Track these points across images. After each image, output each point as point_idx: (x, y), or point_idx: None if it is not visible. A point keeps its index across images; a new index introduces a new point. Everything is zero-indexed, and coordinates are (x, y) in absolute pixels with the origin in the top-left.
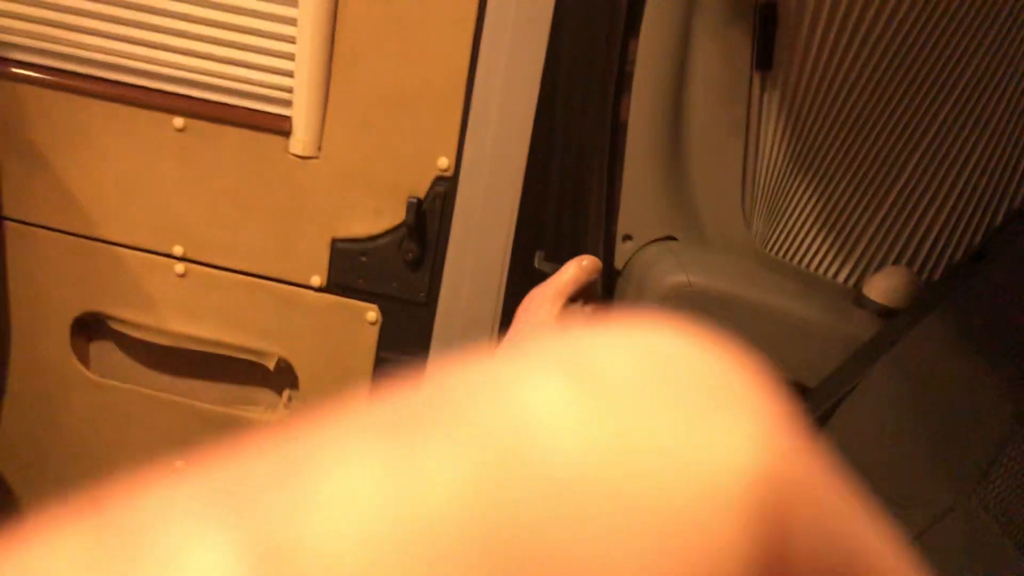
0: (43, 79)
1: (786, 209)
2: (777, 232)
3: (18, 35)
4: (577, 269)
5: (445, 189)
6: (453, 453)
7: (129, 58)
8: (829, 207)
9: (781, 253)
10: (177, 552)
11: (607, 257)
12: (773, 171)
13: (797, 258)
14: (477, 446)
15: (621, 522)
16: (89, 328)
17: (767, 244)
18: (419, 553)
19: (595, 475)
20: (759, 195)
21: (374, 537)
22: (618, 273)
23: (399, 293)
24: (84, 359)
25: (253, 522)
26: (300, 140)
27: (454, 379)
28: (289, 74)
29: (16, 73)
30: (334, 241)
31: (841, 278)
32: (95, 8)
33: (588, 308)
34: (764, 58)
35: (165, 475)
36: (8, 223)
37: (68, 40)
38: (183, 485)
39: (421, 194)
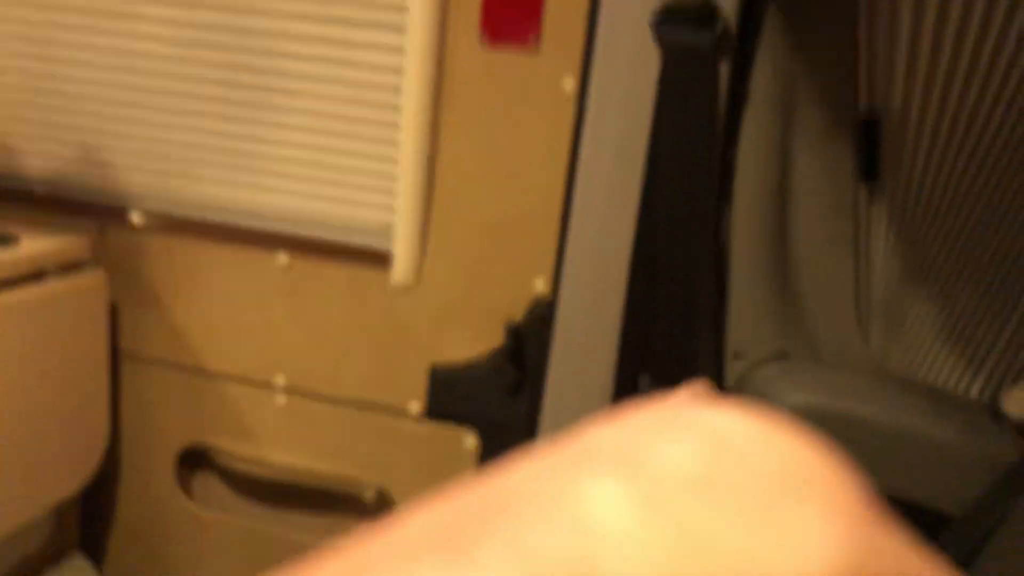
0: (157, 224)
1: (905, 321)
2: (897, 346)
3: (134, 186)
4: (689, 397)
5: (543, 312)
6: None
7: (237, 201)
8: (953, 317)
9: (903, 368)
10: None
11: (717, 376)
12: (889, 283)
13: (921, 372)
14: (535, 567)
15: None
16: (194, 460)
17: (886, 359)
18: None
19: None
20: (874, 308)
21: None
22: (727, 391)
23: (498, 419)
24: (188, 490)
25: None
26: (400, 271)
27: (511, 482)
28: (389, 209)
29: (132, 220)
30: (433, 367)
31: (973, 392)
32: (204, 157)
33: None
34: (869, 170)
35: None
36: (122, 357)
37: (180, 187)
38: None
39: (519, 318)
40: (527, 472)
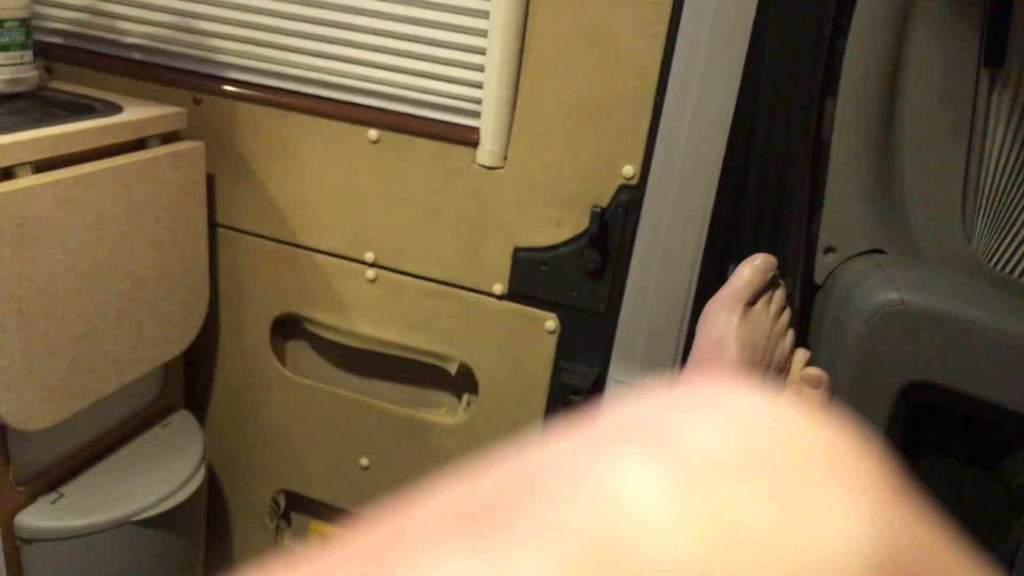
0: (250, 95)
1: (1015, 220)
2: (1004, 245)
3: (229, 55)
4: (751, 270)
5: (629, 198)
6: (546, 559)
7: (329, 73)
8: None
9: (1008, 269)
10: None
11: (807, 270)
12: (1001, 178)
13: None
14: (570, 549)
15: None
16: (286, 328)
17: (991, 259)
18: None
19: (696, 573)
20: (983, 204)
21: None
22: (818, 287)
23: (579, 303)
24: (281, 356)
25: None
26: (487, 151)
27: (542, 459)
28: (478, 86)
29: (226, 90)
30: (516, 250)
31: None
32: (297, 27)
33: (771, 307)
34: (995, 52)
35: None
36: (219, 229)
37: (273, 58)
38: None
39: (604, 203)
40: (557, 449)
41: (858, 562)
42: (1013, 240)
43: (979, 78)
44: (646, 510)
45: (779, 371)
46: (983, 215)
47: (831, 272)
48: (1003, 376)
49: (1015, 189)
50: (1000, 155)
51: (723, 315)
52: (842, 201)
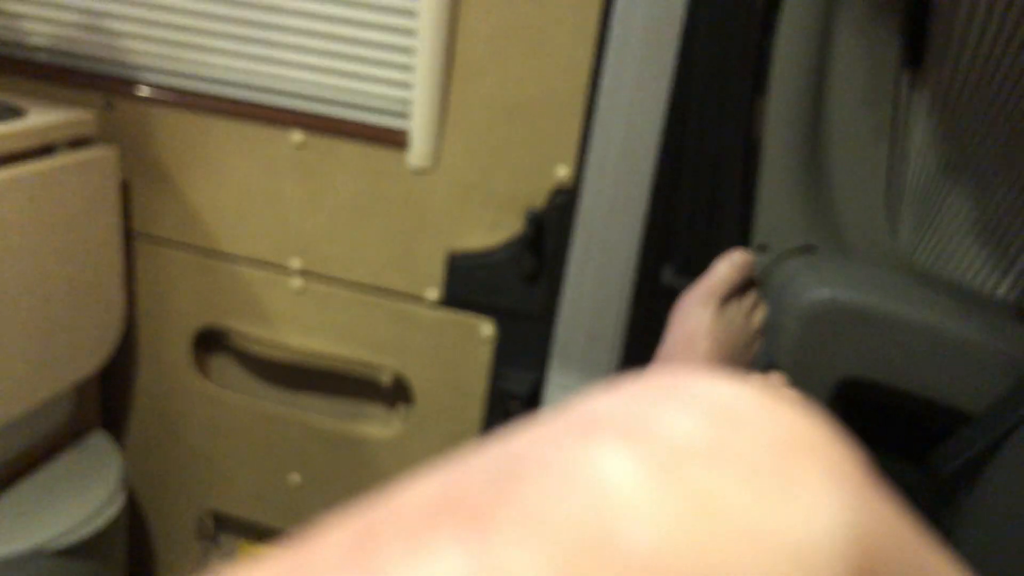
0: (167, 99)
1: (937, 216)
2: (927, 241)
3: (142, 56)
4: (728, 267)
5: (564, 200)
6: (527, 547)
7: (250, 75)
8: (986, 214)
9: (931, 263)
10: None
11: None
12: (923, 176)
13: (949, 268)
14: (550, 536)
15: None
16: (210, 341)
17: (915, 254)
18: None
19: (677, 561)
20: (905, 201)
21: None
22: (752, 284)
23: (516, 307)
24: (205, 371)
25: None
26: (417, 153)
27: (519, 449)
28: (407, 86)
29: (141, 94)
30: (450, 254)
31: (1001, 291)
32: (215, 27)
33: (745, 305)
34: (914, 54)
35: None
36: (136, 239)
37: (191, 59)
38: None
39: (539, 205)
40: (534, 439)
41: (834, 544)
42: (935, 236)
43: (900, 78)
44: (625, 495)
45: (748, 372)
46: (907, 212)
47: (764, 269)
48: (930, 369)
49: (937, 187)
50: (921, 154)
51: (696, 310)
52: (774, 199)
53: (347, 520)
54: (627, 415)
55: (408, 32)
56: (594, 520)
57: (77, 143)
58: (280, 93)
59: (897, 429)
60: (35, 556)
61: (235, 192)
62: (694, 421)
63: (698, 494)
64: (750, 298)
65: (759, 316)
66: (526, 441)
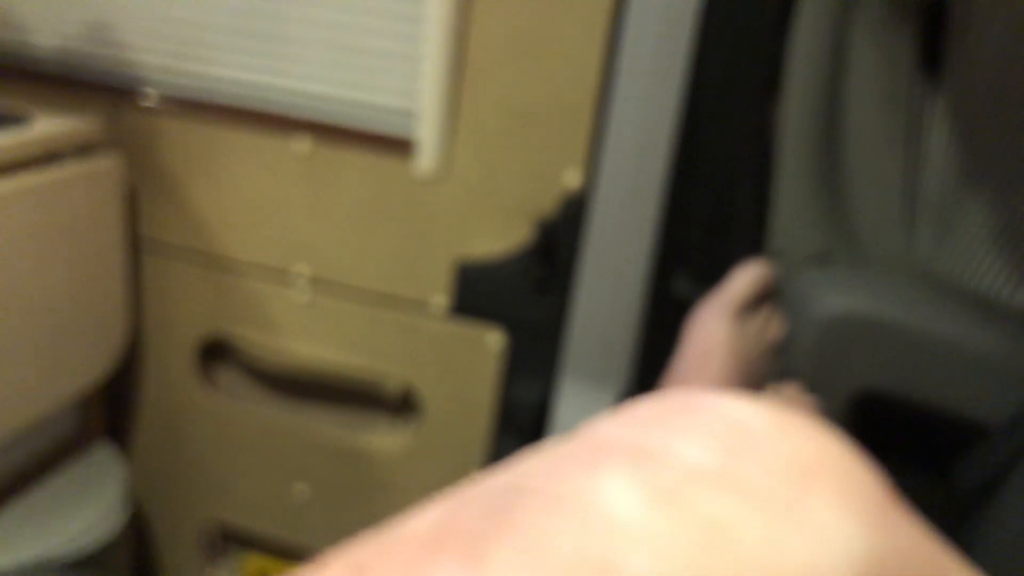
0: (175, 106)
1: (955, 225)
2: (945, 248)
3: (150, 66)
4: (746, 279)
5: (575, 207)
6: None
7: (256, 84)
8: (1006, 221)
9: (949, 271)
10: None
11: None
12: (941, 182)
13: (967, 277)
14: (551, 565)
15: None
16: (217, 351)
17: (933, 261)
18: None
19: None
20: (924, 209)
21: None
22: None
23: (525, 317)
24: (212, 381)
25: None
26: (425, 160)
27: (523, 478)
28: (415, 94)
29: (148, 101)
30: (459, 263)
31: (1019, 299)
32: (223, 38)
33: (761, 318)
34: (931, 58)
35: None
36: (142, 248)
37: (199, 68)
38: None
39: (550, 213)
40: (539, 468)
41: (850, 567)
42: (953, 243)
43: (917, 83)
44: (628, 523)
45: (761, 388)
46: (925, 218)
47: (780, 277)
48: (948, 381)
49: (955, 193)
50: (939, 160)
51: (712, 323)
52: (789, 206)
53: (344, 554)
54: (634, 440)
55: (416, 39)
56: (595, 549)
57: (83, 151)
58: (287, 102)
59: (915, 442)
60: (40, 567)
61: (242, 201)
62: (704, 445)
63: (705, 521)
64: (766, 311)
65: (774, 329)
66: (529, 470)
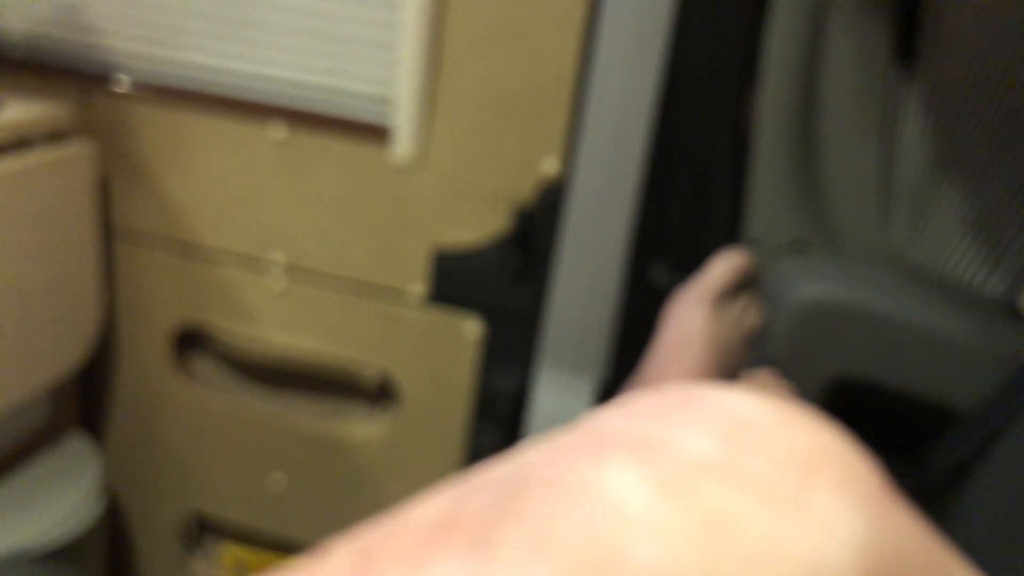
0: (147, 92)
1: (929, 212)
2: (919, 235)
3: (121, 51)
4: (724, 268)
5: (553, 195)
6: (533, 567)
7: (230, 70)
8: (979, 211)
9: (922, 258)
10: None
11: None
12: (915, 170)
13: (940, 263)
14: (558, 555)
15: None
16: (192, 339)
17: (907, 248)
18: None
19: (693, 569)
20: (898, 197)
21: None
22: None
23: (503, 305)
24: (187, 370)
25: None
26: (401, 147)
27: (527, 468)
28: (391, 81)
29: (120, 86)
30: (436, 251)
31: (991, 286)
32: (196, 22)
33: (738, 306)
34: (906, 49)
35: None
36: (115, 235)
37: (172, 53)
38: None
39: (527, 201)
40: (544, 458)
41: (849, 562)
42: (927, 231)
43: (891, 72)
44: (634, 513)
45: (738, 376)
46: (899, 206)
47: (756, 265)
48: (921, 367)
49: (929, 182)
50: (914, 149)
51: (690, 311)
52: (766, 195)
53: (350, 541)
54: (639, 432)
55: (393, 26)
56: (601, 537)
57: (54, 138)
58: (262, 88)
59: (889, 428)
60: (13, 560)
61: (216, 187)
62: (707, 437)
63: (710, 512)
64: (743, 299)
65: (751, 318)
66: (534, 460)
